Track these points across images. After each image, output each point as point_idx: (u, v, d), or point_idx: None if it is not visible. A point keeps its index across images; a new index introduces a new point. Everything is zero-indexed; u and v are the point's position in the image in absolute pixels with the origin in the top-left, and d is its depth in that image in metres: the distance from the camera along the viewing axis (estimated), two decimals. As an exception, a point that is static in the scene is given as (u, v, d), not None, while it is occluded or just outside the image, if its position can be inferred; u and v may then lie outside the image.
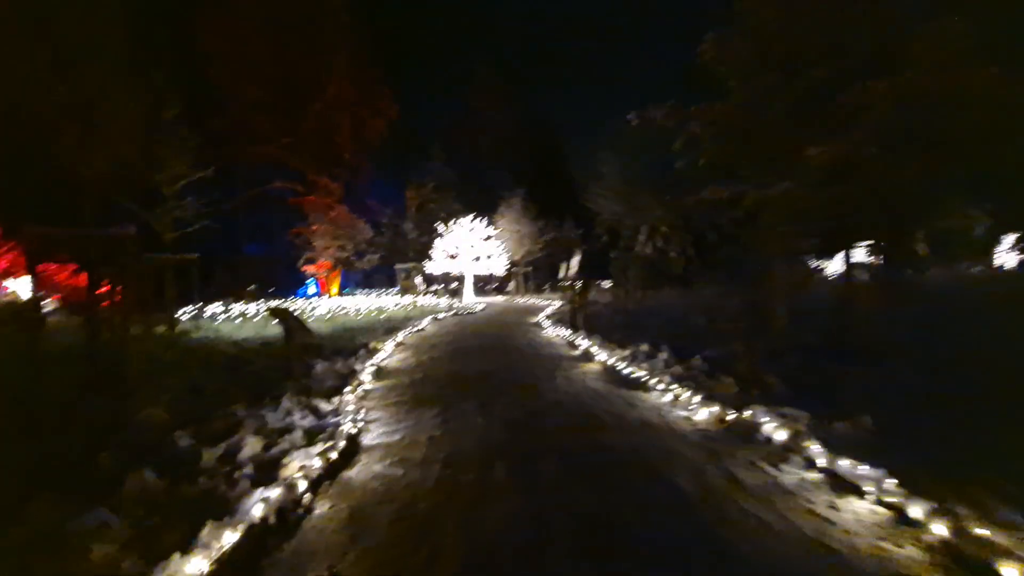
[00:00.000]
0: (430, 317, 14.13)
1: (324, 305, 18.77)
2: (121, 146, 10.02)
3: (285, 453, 3.24)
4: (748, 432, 3.65)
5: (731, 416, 3.91)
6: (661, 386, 5.03)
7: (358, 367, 6.53)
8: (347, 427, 3.58)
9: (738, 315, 7.26)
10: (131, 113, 10.07)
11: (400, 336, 9.77)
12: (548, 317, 13.58)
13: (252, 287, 37.72)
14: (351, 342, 8.89)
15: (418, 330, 11.21)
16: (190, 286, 30.99)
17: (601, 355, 6.79)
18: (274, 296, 28.70)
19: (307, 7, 35.91)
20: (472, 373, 5.84)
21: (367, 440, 3.57)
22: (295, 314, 5.94)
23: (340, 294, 32.37)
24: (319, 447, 3.29)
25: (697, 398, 4.44)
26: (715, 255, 39.85)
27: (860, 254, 30.25)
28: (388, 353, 7.74)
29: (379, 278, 40.93)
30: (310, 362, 6.81)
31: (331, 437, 3.47)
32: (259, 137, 35.58)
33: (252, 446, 3.33)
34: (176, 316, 11.86)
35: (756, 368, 5.35)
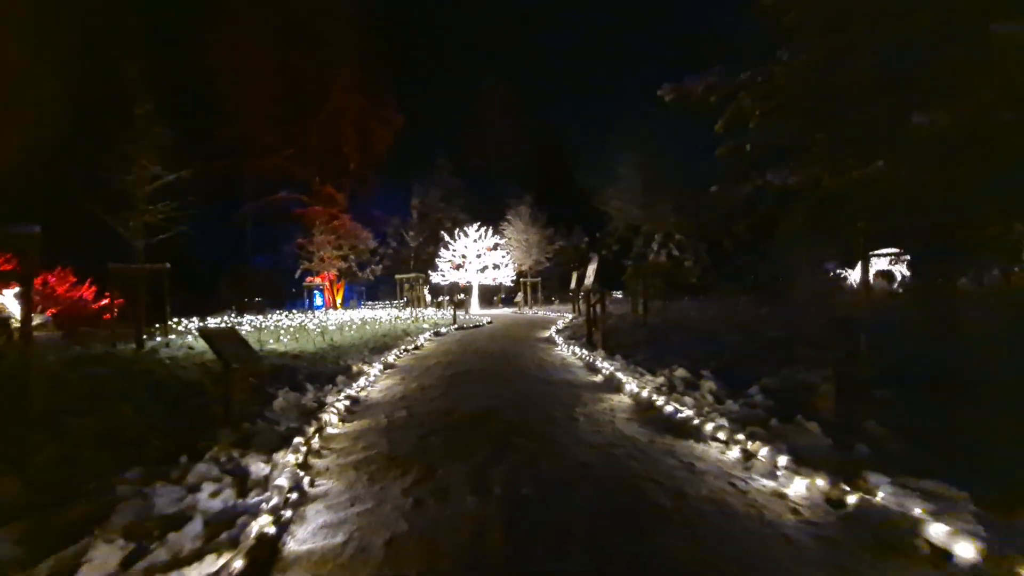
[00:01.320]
0: (431, 332, 12.89)
1: (320, 318, 17.61)
2: (86, 144, 9.00)
3: (149, 576, 1.99)
4: (885, 526, 2.33)
5: (850, 497, 2.59)
6: (721, 434, 3.73)
7: (330, 399, 5.29)
8: (263, 521, 2.31)
9: (806, 333, 5.86)
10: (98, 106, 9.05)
11: (392, 355, 8.53)
12: (560, 332, 12.28)
13: (258, 299, 36.97)
14: (334, 363, 7.66)
15: (415, 348, 9.96)
16: (190, 297, 29.66)
17: (629, 383, 5.48)
18: (280, 308, 27.71)
19: (314, 19, 35.51)
20: (469, 411, 4.55)
21: (292, 543, 2.30)
22: (239, 334, 4.64)
23: (343, 306, 31.32)
24: (207, 562, 2.03)
25: (782, 459, 3.13)
26: (732, 263, 38.45)
27: (883, 261, 28.03)
28: (372, 379, 6.48)
29: (385, 289, 39.96)
30: (273, 391, 5.59)
31: (238, 538, 2.21)
32: (265, 148, 35.13)
33: (103, 560, 2.08)
34: (147, 331, 10.71)
35: (843, 408, 4.03)
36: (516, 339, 11.63)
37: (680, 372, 6.26)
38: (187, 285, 38.13)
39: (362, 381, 6.12)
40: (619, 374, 6.07)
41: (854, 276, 37.20)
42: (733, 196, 5.74)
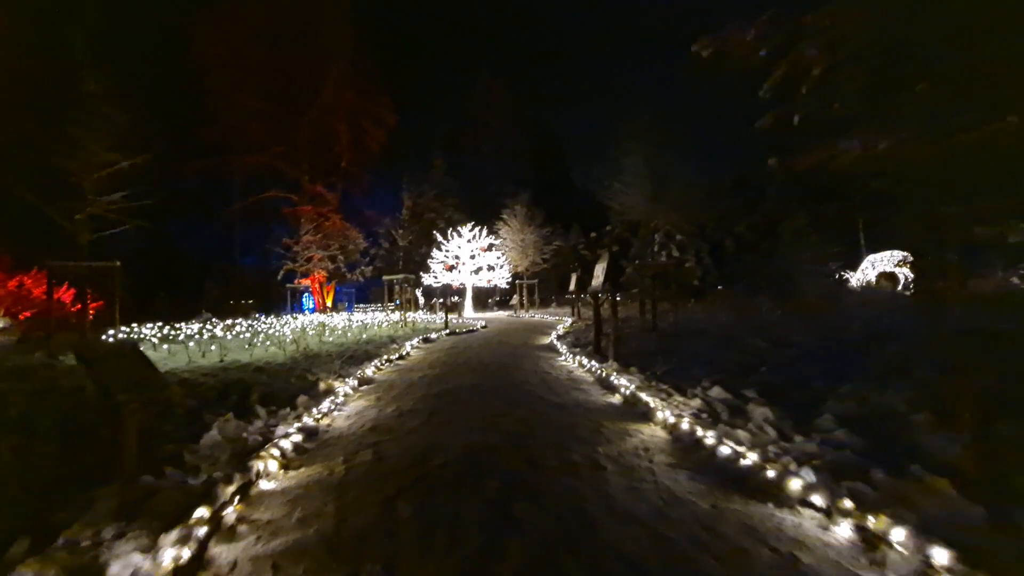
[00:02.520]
0: (419, 338, 11.72)
1: (303, 322, 16.39)
2: (22, 123, 7.83)
3: None
4: None
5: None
6: (816, 496, 2.61)
7: (281, 430, 4.13)
8: None
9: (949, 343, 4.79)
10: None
11: (372, 368, 7.36)
12: (561, 338, 11.15)
13: (248, 302, 35.59)
14: (300, 378, 6.48)
15: (399, 358, 8.79)
16: (175, 299, 28.16)
17: (659, 408, 4.35)
18: (269, 311, 26.41)
19: (305, 13, 34.42)
20: (456, 454, 3.39)
21: None
22: (139, 352, 3.46)
23: (331, 309, 30.05)
24: None
25: (939, 553, 2.01)
26: (734, 264, 37.41)
27: (885, 262, 27.02)
28: (341, 400, 5.31)
29: (377, 291, 38.70)
30: (212, 418, 4.44)
31: None
32: (255, 145, 34.01)
33: None
34: (99, 338, 9.48)
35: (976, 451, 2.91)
36: (514, 346, 10.47)
37: (716, 391, 5.15)
38: (171, 286, 36.91)
39: (327, 404, 4.95)
40: (642, 394, 4.94)
41: (857, 277, 36.43)
42: (791, 171, 4.65)
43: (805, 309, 16.12)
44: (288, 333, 11.97)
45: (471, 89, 48.97)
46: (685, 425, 3.84)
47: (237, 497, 2.76)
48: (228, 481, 2.86)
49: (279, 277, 27.10)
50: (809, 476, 2.84)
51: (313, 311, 30.50)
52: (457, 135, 49.01)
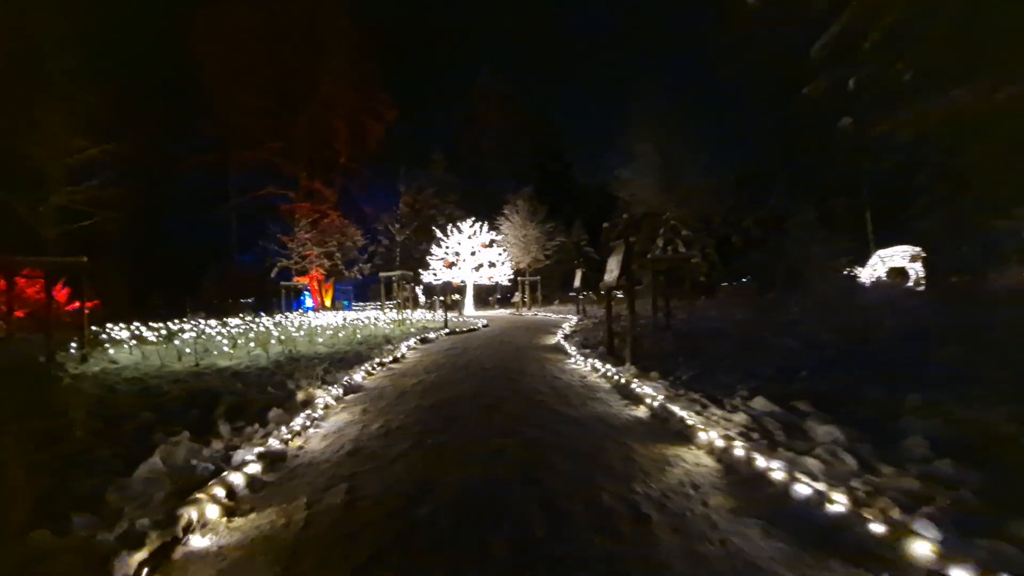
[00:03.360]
0: (417, 338, 10.97)
1: (296, 321, 15.63)
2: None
3: None
4: None
5: None
6: (957, 571, 1.85)
7: (240, 456, 3.38)
8: None
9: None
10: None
11: (362, 372, 6.60)
12: (568, 338, 10.39)
13: (248, 300, 34.86)
14: (279, 386, 5.72)
15: (393, 360, 8.03)
16: (171, 297, 27.35)
17: (699, 426, 3.58)
18: (266, 310, 25.65)
19: (303, 9, 33.72)
20: (450, 497, 2.63)
21: None
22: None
23: (329, 308, 29.31)
24: None
25: None
26: (740, 260, 36.55)
27: (895, 257, 26.23)
28: (321, 414, 4.55)
29: (377, 289, 37.98)
30: (161, 438, 3.69)
31: None
32: (252, 141, 33.41)
33: None
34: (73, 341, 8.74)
35: None
36: (518, 347, 9.71)
37: (761, 403, 4.37)
38: (167, 284, 36.19)
39: (300, 419, 4.19)
40: (673, 407, 4.18)
41: (867, 273, 35.59)
42: (866, 135, 3.89)
43: (823, 306, 15.37)
44: (275, 333, 11.21)
45: (471, 85, 48.21)
46: (738, 450, 3.07)
47: (146, 570, 2.00)
48: (139, 543, 2.10)
49: (272, 275, 26.30)
50: (930, 532, 2.08)
51: (311, 309, 29.80)
52: (457, 131, 48.30)
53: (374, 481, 2.88)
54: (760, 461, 2.89)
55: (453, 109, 55.33)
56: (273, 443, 3.56)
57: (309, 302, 33.96)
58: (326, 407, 4.81)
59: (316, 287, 32.44)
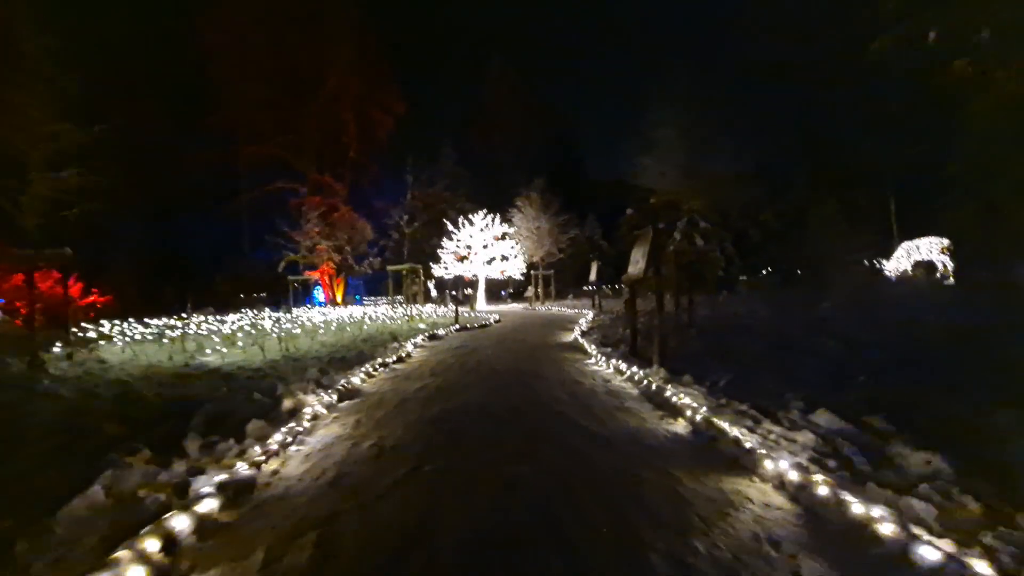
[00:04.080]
0: (425, 335, 10.37)
1: (303, 317, 15.15)
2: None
3: None
4: None
5: None
6: None
7: (202, 483, 2.78)
8: None
9: None
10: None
11: (361, 374, 6.00)
12: (586, 335, 9.72)
13: (261, 295, 34.63)
14: (268, 391, 5.13)
15: (398, 360, 7.43)
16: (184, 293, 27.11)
17: (759, 450, 2.91)
18: (279, 305, 25.27)
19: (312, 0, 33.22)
20: (449, 557, 1.98)
21: None
22: None
23: (340, 303, 28.88)
24: None
25: None
26: (759, 254, 35.46)
27: (922, 250, 25.14)
28: (306, 427, 3.94)
29: (387, 283, 37.54)
30: (114, 459, 3.13)
31: None
32: (261, 136, 33.05)
33: None
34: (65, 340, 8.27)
35: None
36: (532, 346, 9.06)
37: (825, 417, 3.68)
38: (181, 280, 36.15)
39: (281, 434, 3.59)
40: (720, 422, 3.50)
41: (891, 266, 34.28)
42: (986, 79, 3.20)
43: (854, 302, 14.50)
44: (275, 331, 10.67)
45: (482, 76, 47.41)
46: (822, 489, 2.38)
47: None
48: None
49: (280, 269, 25.88)
50: None
51: (323, 305, 29.46)
52: (467, 124, 47.55)
53: (354, 526, 2.25)
54: (855, 505, 2.21)
55: (464, 101, 54.54)
56: (242, 468, 2.95)
57: (321, 297, 33.64)
58: (315, 417, 4.21)
59: (327, 282, 32.06)
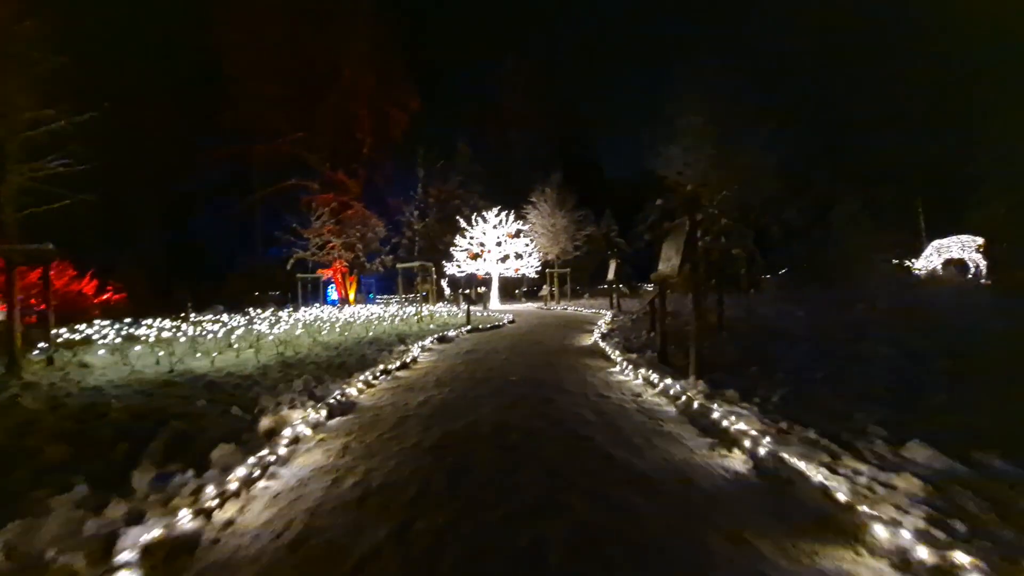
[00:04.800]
0: (434, 337, 9.73)
1: (306, 316, 14.62)
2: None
3: None
4: None
5: None
6: None
7: (131, 538, 2.14)
8: None
9: None
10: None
11: (359, 384, 5.35)
12: (607, 338, 8.98)
13: (275, 294, 34.43)
14: (252, 405, 4.50)
15: (402, 366, 6.77)
16: (197, 291, 26.93)
17: (868, 511, 2.17)
18: (292, 304, 24.94)
19: (326, -5, 32.84)
20: None
21: None
22: None
23: (353, 301, 28.44)
24: None
25: None
26: (782, 252, 34.18)
27: (953, 248, 23.83)
28: (281, 455, 3.29)
29: (406, 282, 37.10)
30: (44, 499, 2.52)
31: None
32: (275, 133, 32.80)
33: None
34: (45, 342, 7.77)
35: None
36: (549, 350, 8.35)
37: (923, 453, 2.93)
38: (194, 278, 36.12)
39: (247, 467, 2.94)
40: (789, 457, 2.77)
41: (920, 265, 32.87)
42: None
43: (893, 302, 13.52)
44: (274, 332, 10.10)
45: (496, 73, 46.69)
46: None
47: None
48: None
49: (288, 267, 25.48)
50: None
51: (336, 303, 29.08)
52: (482, 121, 46.87)
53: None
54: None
55: (478, 97, 53.84)
56: (185, 518, 2.30)
57: (335, 295, 33.33)
58: (296, 440, 3.56)
59: (340, 280, 31.71)
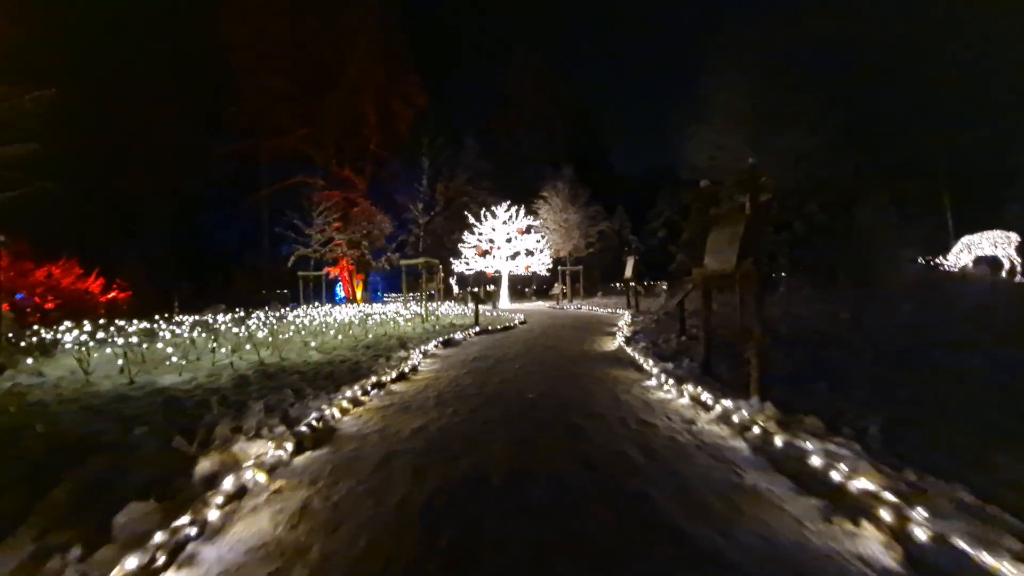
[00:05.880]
0: (439, 340, 8.78)
1: (303, 317, 13.75)
2: None
3: None
4: None
5: None
6: None
7: None
8: None
9: None
10: None
11: (343, 404, 4.40)
12: (631, 342, 7.96)
13: (283, 292, 33.78)
14: (206, 431, 3.57)
15: (399, 377, 5.82)
16: (202, 289, 26.14)
17: None
18: (299, 303, 24.17)
19: (329, -12, 32.11)
20: None
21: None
22: None
23: (359, 300, 27.60)
24: None
25: None
26: (804, 250, 32.82)
27: (985, 244, 22.20)
28: (212, 521, 2.34)
29: (411, 280, 36.25)
30: None
31: None
32: (281, 129, 32.21)
33: None
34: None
35: None
36: (569, 357, 7.34)
37: None
38: (201, 276, 35.56)
39: (136, 559, 1.99)
40: (960, 542, 1.77)
41: (950, 262, 31.43)
42: None
43: (942, 302, 12.36)
44: (258, 334, 9.19)
45: (504, 67, 45.68)
46: None
47: None
48: None
49: (289, 264, 24.68)
50: None
51: (343, 301, 28.30)
52: (490, 115, 45.89)
53: None
54: None
55: (486, 91, 52.86)
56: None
57: (343, 293, 32.64)
58: (239, 494, 2.61)
59: (348, 278, 30.97)
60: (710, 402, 4.09)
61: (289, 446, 3.26)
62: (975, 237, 29.96)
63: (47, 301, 19.71)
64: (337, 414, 4.19)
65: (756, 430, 3.36)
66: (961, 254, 30.68)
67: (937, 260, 32.27)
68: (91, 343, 8.02)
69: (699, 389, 4.39)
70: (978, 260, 29.98)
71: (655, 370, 5.49)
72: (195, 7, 31.11)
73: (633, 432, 3.54)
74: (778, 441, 3.08)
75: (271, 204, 36.82)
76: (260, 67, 30.13)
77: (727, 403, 3.94)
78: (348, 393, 4.71)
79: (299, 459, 3.20)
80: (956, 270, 30.17)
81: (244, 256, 40.42)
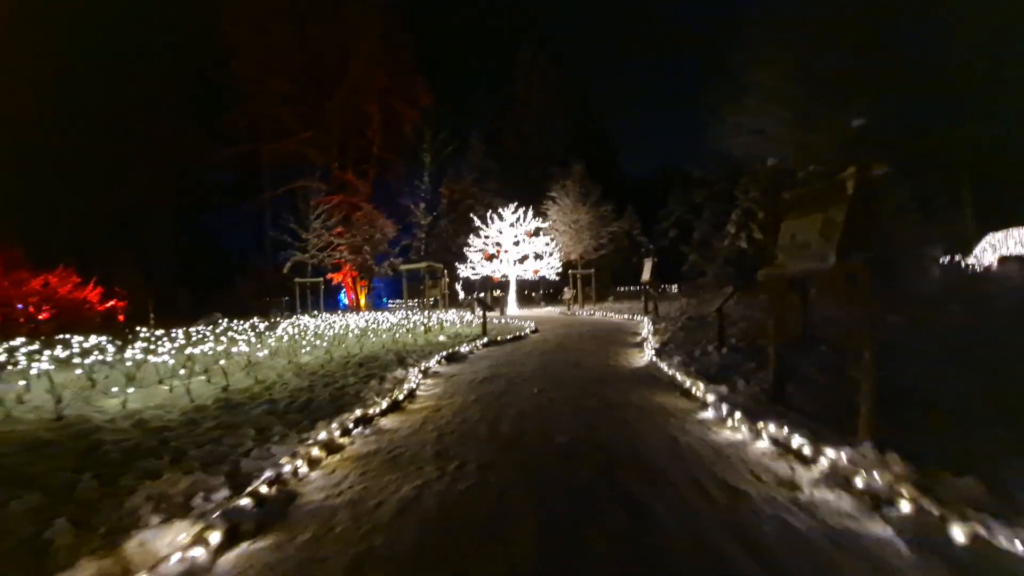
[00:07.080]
0: (443, 353, 7.72)
1: (290, 329, 12.73)
2: None
3: None
4: None
5: None
6: None
7: None
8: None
9: None
10: None
11: (312, 450, 3.35)
12: (661, 354, 6.86)
13: (286, 298, 32.99)
14: (112, 510, 2.51)
15: (393, 404, 4.75)
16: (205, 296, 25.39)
17: None
18: (303, 308, 23.27)
19: (332, -12, 31.48)
20: None
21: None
22: None
23: (362, 306, 26.65)
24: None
25: None
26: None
27: (1012, 243, 20.71)
28: None
29: (413, 286, 35.35)
30: None
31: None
32: (284, 132, 31.51)
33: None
34: None
35: None
36: (596, 377, 6.23)
37: None
38: (203, 283, 34.73)
39: None
40: None
41: (975, 260, 30.23)
42: None
43: (992, 304, 11.17)
44: (236, 350, 8.14)
45: (510, 66, 44.72)
46: None
47: None
48: None
49: (285, 271, 23.74)
50: None
51: (346, 308, 27.41)
52: (496, 115, 44.95)
53: None
54: None
55: (492, 91, 52.03)
56: None
57: (347, 299, 31.83)
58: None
59: (351, 284, 30.09)
60: (807, 451, 2.99)
61: (216, 537, 2.20)
62: (1000, 235, 28.78)
63: (41, 311, 18.94)
64: (303, 468, 3.13)
65: (904, 506, 2.26)
66: (985, 252, 29.48)
67: (961, 258, 30.97)
68: (51, 366, 6.99)
69: (785, 430, 3.29)
70: (1003, 259, 28.76)
71: (710, 397, 4.39)
72: (197, 10, 30.51)
73: (721, 509, 2.44)
74: (957, 534, 1.98)
75: (274, 209, 36.07)
76: (262, 68, 29.55)
77: (831, 454, 2.84)
78: (323, 435, 3.65)
79: (227, 558, 2.14)
80: (979, 268, 28.94)
81: (247, 262, 39.71)
